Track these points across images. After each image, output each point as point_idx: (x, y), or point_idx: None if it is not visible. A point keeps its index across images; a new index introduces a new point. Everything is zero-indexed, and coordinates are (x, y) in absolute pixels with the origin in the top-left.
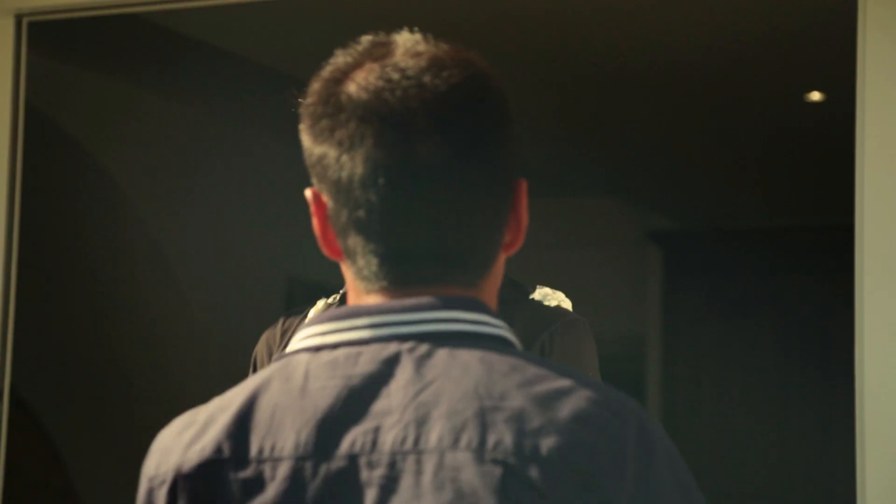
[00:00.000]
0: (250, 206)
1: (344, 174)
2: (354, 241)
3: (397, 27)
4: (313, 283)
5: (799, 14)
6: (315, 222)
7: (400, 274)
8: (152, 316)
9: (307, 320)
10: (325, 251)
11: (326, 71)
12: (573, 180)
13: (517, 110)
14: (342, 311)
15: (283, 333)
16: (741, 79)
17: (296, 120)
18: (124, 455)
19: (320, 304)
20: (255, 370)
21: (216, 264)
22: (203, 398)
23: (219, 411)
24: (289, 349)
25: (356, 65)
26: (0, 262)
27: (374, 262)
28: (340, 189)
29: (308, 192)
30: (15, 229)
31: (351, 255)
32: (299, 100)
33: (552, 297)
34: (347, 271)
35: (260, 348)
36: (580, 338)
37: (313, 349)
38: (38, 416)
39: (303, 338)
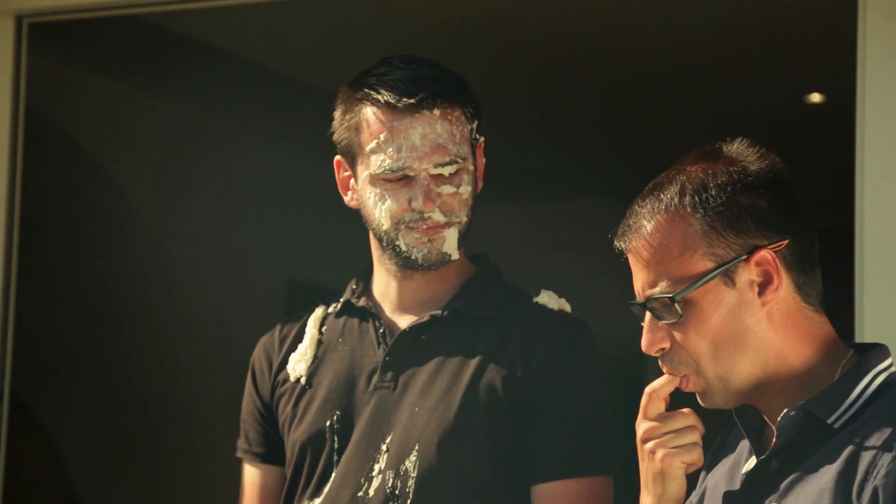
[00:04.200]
0: (251, 207)
1: None
2: None
3: (395, 26)
4: (313, 284)
5: (799, 15)
6: None
7: None
8: (152, 317)
9: None
10: None
11: None
12: (573, 182)
13: (518, 112)
14: None
15: (282, 341)
16: (741, 80)
17: (297, 122)
18: (125, 455)
19: (319, 311)
20: (253, 376)
21: (217, 266)
22: (203, 399)
23: None
24: None
25: None
26: (0, 262)
27: None
28: None
29: None
30: (15, 229)
31: None
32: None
33: (556, 301)
34: None
35: (258, 354)
36: (579, 352)
37: None
38: (39, 416)
39: None
